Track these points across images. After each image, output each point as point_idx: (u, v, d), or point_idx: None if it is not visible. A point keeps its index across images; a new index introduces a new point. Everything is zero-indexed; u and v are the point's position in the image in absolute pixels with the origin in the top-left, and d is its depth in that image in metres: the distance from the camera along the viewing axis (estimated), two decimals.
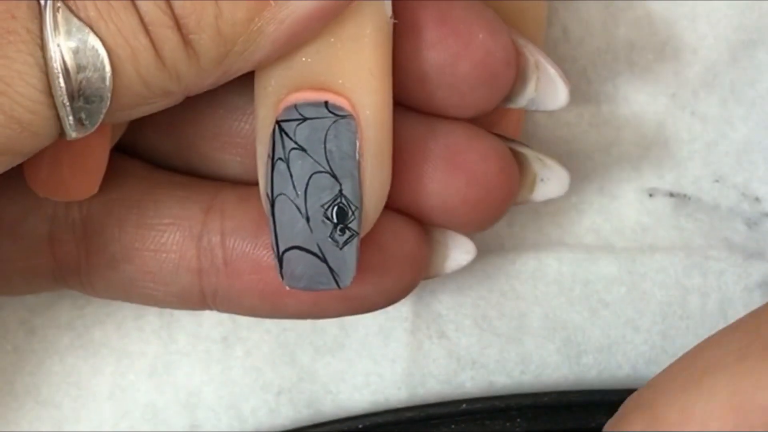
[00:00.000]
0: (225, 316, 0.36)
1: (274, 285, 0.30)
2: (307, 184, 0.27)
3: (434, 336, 0.36)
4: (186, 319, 0.36)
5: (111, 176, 0.30)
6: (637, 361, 0.37)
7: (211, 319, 0.36)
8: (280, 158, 0.27)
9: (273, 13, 0.25)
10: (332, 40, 0.26)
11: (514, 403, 0.36)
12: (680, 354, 0.37)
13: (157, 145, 0.32)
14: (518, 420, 0.36)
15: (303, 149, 0.27)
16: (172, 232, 0.31)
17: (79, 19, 0.24)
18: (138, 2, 0.24)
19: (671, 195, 0.37)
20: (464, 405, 0.35)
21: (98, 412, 0.36)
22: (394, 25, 0.27)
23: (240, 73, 0.27)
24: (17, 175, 0.28)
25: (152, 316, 0.36)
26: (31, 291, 0.34)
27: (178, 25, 0.25)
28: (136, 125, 0.31)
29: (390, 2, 0.27)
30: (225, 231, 0.31)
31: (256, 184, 0.29)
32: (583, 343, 0.37)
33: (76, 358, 0.36)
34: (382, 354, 0.36)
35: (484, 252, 0.34)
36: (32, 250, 0.31)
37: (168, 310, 0.36)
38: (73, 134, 0.25)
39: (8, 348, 0.36)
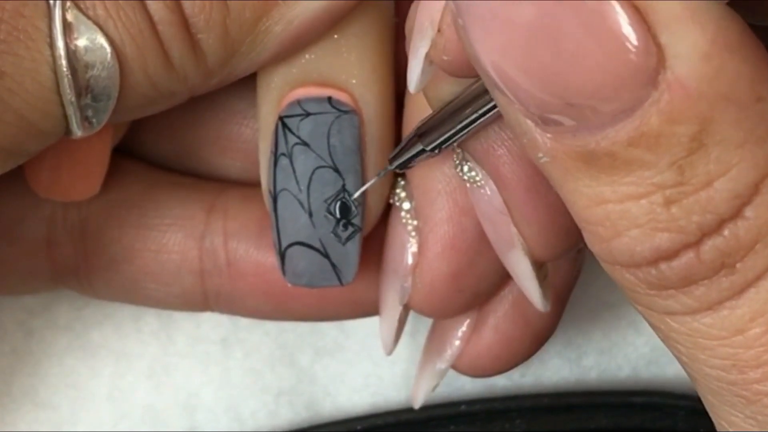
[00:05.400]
0: (224, 317, 0.36)
1: (278, 286, 0.31)
2: (310, 179, 0.28)
3: None
4: (185, 320, 0.37)
5: (111, 177, 0.31)
6: (638, 362, 0.38)
7: (210, 320, 0.37)
8: (283, 153, 0.28)
9: (281, 14, 0.26)
10: (336, 36, 0.27)
11: (513, 404, 0.37)
12: None
13: (158, 148, 0.33)
14: (518, 421, 0.37)
15: (306, 144, 0.28)
16: (173, 233, 0.32)
17: (88, 17, 0.25)
18: (147, 2, 0.25)
19: None
20: (464, 406, 0.36)
21: (97, 414, 0.37)
22: (396, 24, 0.28)
23: (245, 74, 0.28)
24: (14, 177, 0.28)
25: (151, 317, 0.37)
26: (29, 292, 0.35)
27: (186, 25, 0.25)
28: (136, 128, 0.32)
29: (392, 2, 0.28)
30: (228, 232, 0.32)
31: (258, 186, 0.30)
32: (584, 345, 0.38)
33: (75, 359, 0.37)
34: (381, 356, 0.37)
35: None
36: (29, 252, 0.32)
37: (167, 312, 0.36)
38: (78, 132, 0.26)
39: (6, 349, 0.36)
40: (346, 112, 0.28)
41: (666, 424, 0.36)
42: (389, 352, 0.31)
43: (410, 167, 0.27)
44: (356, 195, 0.28)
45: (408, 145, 0.27)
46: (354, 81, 0.28)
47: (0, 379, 0.36)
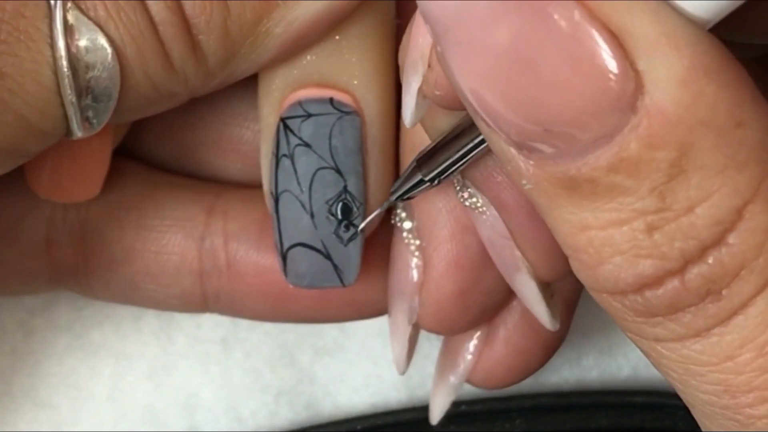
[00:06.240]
0: (224, 317, 0.36)
1: (278, 288, 0.31)
2: (312, 180, 0.28)
3: (434, 337, 0.37)
4: (185, 320, 0.37)
5: (111, 178, 0.31)
6: (638, 362, 0.38)
7: (210, 320, 0.37)
8: (284, 155, 0.28)
9: (282, 15, 0.26)
10: (337, 38, 0.27)
11: (513, 404, 0.37)
12: None
13: (158, 150, 0.33)
14: (518, 421, 0.37)
15: (308, 145, 0.28)
16: (173, 234, 0.32)
17: (89, 18, 0.25)
18: (148, 2, 0.25)
19: None
20: (464, 406, 0.36)
21: (97, 414, 0.37)
22: (398, 25, 0.28)
23: (246, 75, 0.28)
24: (14, 177, 0.28)
25: (151, 317, 0.37)
26: (29, 292, 0.35)
27: (187, 26, 0.25)
28: (137, 129, 0.32)
29: (394, 2, 0.28)
30: (228, 233, 0.32)
31: (258, 188, 0.30)
32: (584, 345, 0.38)
33: (75, 359, 0.37)
34: (381, 356, 0.37)
35: None
36: (29, 252, 0.32)
37: (167, 312, 0.36)
38: (79, 133, 0.26)
39: (6, 349, 0.36)
40: (347, 113, 0.28)
41: (666, 424, 0.36)
42: (402, 372, 0.32)
43: (411, 197, 0.27)
44: (362, 226, 0.29)
45: (408, 177, 0.27)
46: (355, 82, 0.28)
47: (0, 379, 0.36)
